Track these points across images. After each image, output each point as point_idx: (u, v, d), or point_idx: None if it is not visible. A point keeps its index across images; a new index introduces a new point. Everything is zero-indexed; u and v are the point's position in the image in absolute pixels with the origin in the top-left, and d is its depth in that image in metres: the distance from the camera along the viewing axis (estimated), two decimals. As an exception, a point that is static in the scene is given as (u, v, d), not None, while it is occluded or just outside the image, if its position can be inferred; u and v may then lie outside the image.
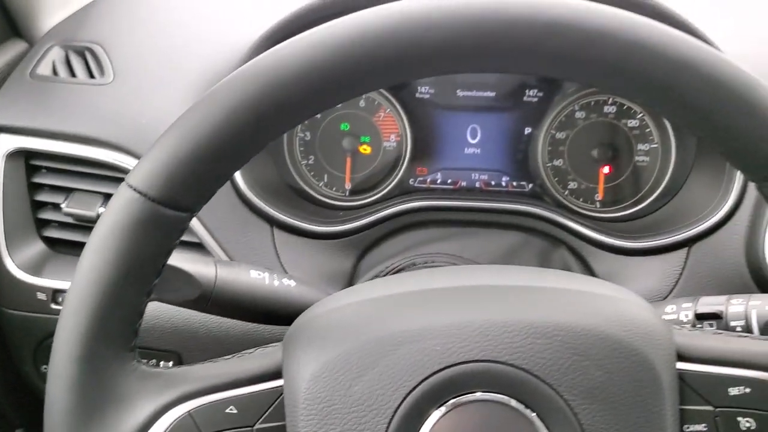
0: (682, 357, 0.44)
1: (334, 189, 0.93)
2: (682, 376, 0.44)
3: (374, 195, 0.92)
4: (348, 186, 0.92)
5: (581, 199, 0.90)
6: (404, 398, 0.43)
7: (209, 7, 0.93)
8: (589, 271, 0.80)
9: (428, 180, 0.92)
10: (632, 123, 0.88)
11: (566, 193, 0.90)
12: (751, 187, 0.73)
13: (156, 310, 0.77)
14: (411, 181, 0.92)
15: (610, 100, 0.88)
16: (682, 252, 0.74)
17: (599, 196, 0.89)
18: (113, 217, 0.43)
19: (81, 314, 0.43)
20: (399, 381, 0.43)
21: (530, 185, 0.91)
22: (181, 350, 0.78)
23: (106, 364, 0.44)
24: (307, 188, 0.92)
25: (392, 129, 0.92)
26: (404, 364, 0.43)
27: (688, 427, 0.43)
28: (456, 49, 0.40)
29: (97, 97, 0.83)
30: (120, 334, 0.45)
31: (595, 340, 0.43)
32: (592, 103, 0.89)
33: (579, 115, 0.89)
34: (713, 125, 0.41)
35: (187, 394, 0.46)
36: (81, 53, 0.88)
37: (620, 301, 0.47)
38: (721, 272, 0.72)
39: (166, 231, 0.44)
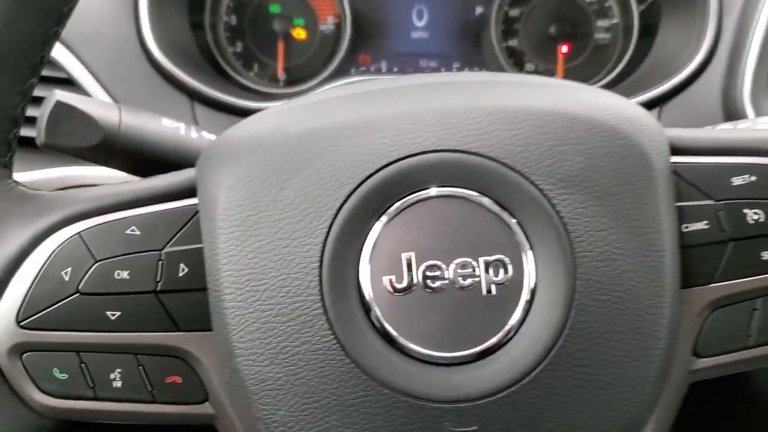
0: (676, 150, 0.38)
1: (266, 79, 0.82)
2: (676, 170, 0.38)
3: (311, 84, 0.82)
4: (281, 76, 0.82)
5: (539, 82, 0.82)
6: (347, 197, 0.35)
7: None
8: None
9: (372, 69, 0.83)
10: (590, -3, 0.81)
11: (523, 76, 0.82)
12: (726, 32, 0.67)
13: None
14: (353, 71, 0.83)
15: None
16: (653, 114, 0.67)
17: (558, 77, 0.82)
18: None
19: None
20: (340, 179, 0.35)
21: (484, 70, 0.83)
22: None
23: None
24: (237, 77, 0.81)
25: (329, 9, 0.82)
26: (345, 160, 0.35)
27: (687, 227, 0.37)
28: None
29: None
30: None
31: (573, 123, 0.36)
32: (548, -25, 0.81)
33: (534, -11, 0.82)
34: None
35: (75, 215, 0.37)
36: None
37: (602, 94, 0.40)
38: (699, 130, 0.65)
39: (40, 8, 0.35)
